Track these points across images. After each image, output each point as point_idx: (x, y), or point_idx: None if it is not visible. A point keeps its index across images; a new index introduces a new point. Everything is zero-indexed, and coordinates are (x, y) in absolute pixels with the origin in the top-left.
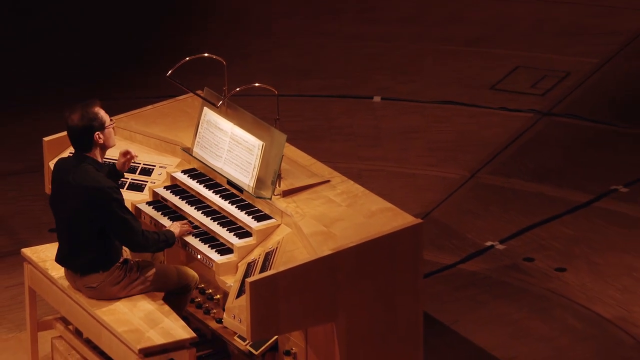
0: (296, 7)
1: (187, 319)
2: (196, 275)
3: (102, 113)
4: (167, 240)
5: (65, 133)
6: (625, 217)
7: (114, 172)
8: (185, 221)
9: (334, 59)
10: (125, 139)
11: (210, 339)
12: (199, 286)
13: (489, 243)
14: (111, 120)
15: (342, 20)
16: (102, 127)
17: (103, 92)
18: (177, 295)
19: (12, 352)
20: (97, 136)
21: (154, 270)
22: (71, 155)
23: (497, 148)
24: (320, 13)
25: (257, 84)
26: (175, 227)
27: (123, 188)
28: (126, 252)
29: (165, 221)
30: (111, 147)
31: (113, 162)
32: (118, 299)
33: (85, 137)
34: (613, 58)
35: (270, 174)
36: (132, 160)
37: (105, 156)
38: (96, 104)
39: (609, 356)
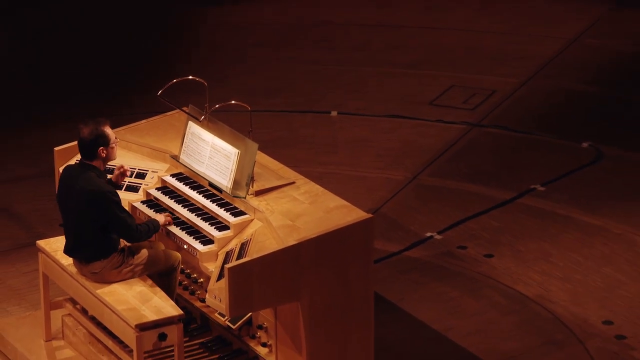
0: (265, 38)
1: (176, 299)
2: (179, 255)
3: (109, 132)
4: (154, 228)
5: (72, 144)
6: (542, 212)
7: (112, 184)
8: (167, 213)
9: (297, 81)
10: (123, 148)
11: (195, 315)
12: (186, 271)
13: (428, 234)
14: (116, 138)
15: (303, 48)
16: (106, 144)
17: (108, 109)
18: (166, 277)
19: (29, 327)
20: (101, 150)
21: (146, 255)
22: (77, 162)
23: (435, 154)
24: (285, 43)
25: (233, 102)
26: (160, 217)
27: (121, 189)
28: (123, 241)
29: (156, 217)
30: (112, 161)
31: (110, 178)
32: (117, 281)
33: (91, 149)
34: (531, 78)
35: (245, 177)
36: (126, 175)
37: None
38: (106, 123)
39: (529, 328)
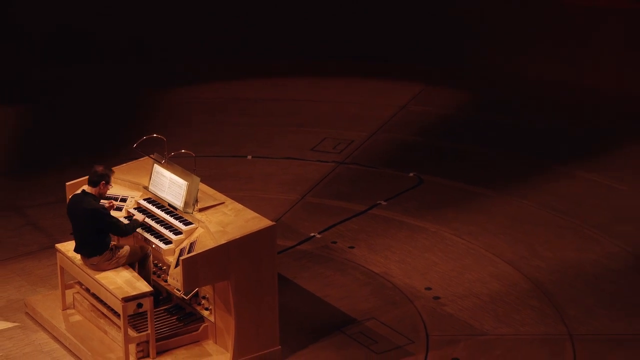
0: (204, 108)
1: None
2: (148, 246)
3: (112, 177)
4: (137, 225)
5: (78, 180)
6: (385, 218)
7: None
8: (142, 215)
9: (226, 136)
10: (112, 182)
11: (162, 291)
12: (154, 262)
13: (312, 234)
14: (111, 184)
15: (230, 115)
16: (108, 182)
17: (100, 158)
18: (143, 269)
19: (51, 301)
20: (102, 184)
21: (128, 249)
22: (81, 192)
23: (316, 182)
24: (217, 112)
25: (183, 150)
26: (139, 216)
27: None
28: (112, 242)
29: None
30: (103, 196)
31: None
32: (109, 269)
33: (98, 180)
34: (376, 132)
35: (192, 199)
36: (113, 208)
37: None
38: (113, 171)
39: (377, 294)
